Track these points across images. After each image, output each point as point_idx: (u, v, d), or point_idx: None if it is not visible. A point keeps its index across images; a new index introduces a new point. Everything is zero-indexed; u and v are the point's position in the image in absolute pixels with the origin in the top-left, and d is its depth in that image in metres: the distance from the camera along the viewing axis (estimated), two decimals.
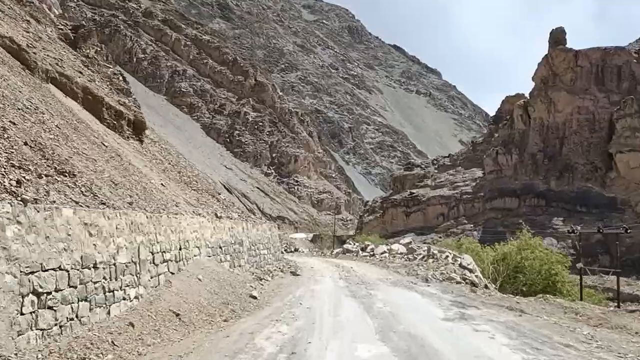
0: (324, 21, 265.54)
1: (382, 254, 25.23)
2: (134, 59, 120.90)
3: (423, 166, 67.93)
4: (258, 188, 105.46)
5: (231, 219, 18.75)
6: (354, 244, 30.53)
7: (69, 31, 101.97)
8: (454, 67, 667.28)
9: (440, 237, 56.64)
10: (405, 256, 24.16)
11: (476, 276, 18.20)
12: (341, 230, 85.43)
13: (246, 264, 18.75)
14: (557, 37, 58.76)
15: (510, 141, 58.68)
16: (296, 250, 31.64)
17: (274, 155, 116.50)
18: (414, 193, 62.35)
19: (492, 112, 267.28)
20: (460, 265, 19.66)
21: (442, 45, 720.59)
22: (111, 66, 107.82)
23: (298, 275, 20.28)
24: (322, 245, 50.94)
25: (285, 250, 31.43)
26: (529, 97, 59.94)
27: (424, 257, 23.10)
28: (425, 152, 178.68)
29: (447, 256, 21.87)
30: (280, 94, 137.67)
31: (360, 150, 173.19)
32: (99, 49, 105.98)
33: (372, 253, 25.81)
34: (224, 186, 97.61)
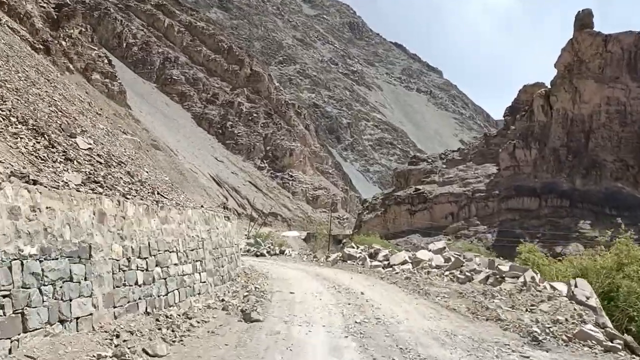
0: (324, 16, 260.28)
1: (402, 264, 17.39)
2: (124, 44, 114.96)
3: (430, 160, 61.88)
4: (250, 182, 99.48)
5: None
6: (358, 248, 22.70)
7: (52, 9, 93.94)
8: (454, 67, 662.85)
9: (449, 240, 50.62)
10: (449, 273, 16.07)
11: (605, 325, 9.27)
12: (337, 229, 79.55)
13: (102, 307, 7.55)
14: (584, 20, 52.75)
15: (529, 134, 52.72)
16: (282, 252, 24.11)
17: (268, 148, 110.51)
18: (419, 189, 56.35)
19: (493, 113, 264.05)
20: (574, 298, 10.48)
21: (443, 44, 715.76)
22: (96, 48, 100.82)
23: (256, 321, 9.74)
24: (316, 245, 44.31)
25: (267, 252, 25.00)
26: (550, 86, 53.97)
27: (487, 277, 14.41)
28: (425, 151, 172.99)
29: (533, 277, 12.89)
30: (277, 84, 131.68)
31: (359, 147, 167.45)
32: (83, 30, 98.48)
33: (387, 264, 17.99)
34: (214, 179, 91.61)
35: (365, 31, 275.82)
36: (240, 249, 25.64)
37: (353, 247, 23.24)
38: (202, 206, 14.82)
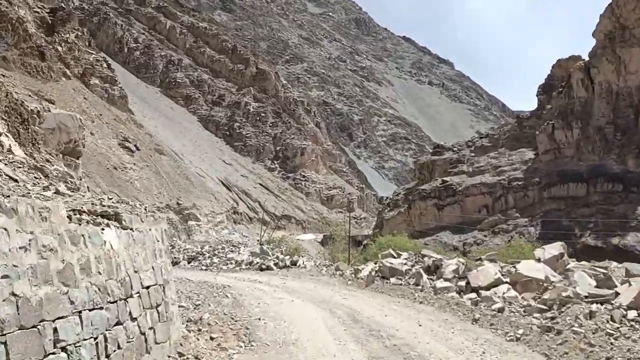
0: (330, 14, 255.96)
1: (494, 286, 10.60)
2: (125, 49, 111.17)
3: (456, 149, 56.18)
4: (261, 184, 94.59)
5: None
6: (400, 256, 15.31)
7: (47, 14, 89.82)
8: (466, 58, 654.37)
9: (485, 236, 45.06)
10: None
11: None
12: (355, 230, 74.44)
13: None
14: None
15: (568, 113, 46.85)
16: (294, 264, 17.58)
17: (278, 148, 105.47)
18: (446, 181, 50.70)
19: (509, 103, 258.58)
20: None
21: (453, 35, 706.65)
22: (94, 52, 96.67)
23: None
24: (334, 249, 38.49)
25: (275, 264, 18.65)
26: (589, 58, 48.07)
27: None
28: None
29: None
30: (284, 82, 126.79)
31: (372, 144, 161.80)
32: (80, 34, 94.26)
33: (466, 286, 11.19)
34: (223, 183, 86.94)
35: (372, 26, 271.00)
36: (242, 261, 20.32)
37: (393, 255, 15.92)
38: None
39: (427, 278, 12.82)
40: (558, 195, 44.05)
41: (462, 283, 11.48)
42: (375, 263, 15.84)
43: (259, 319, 9.96)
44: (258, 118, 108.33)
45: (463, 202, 49.11)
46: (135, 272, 7.12)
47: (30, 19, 77.14)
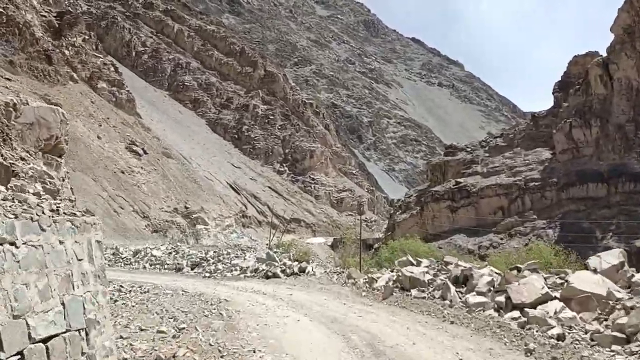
0: (338, 16, 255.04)
1: (540, 304, 8.87)
2: (133, 53, 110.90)
3: (469, 149, 54.59)
4: (270, 187, 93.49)
5: None
6: (419, 264, 13.54)
7: (53, 18, 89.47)
8: (475, 59, 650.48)
9: (501, 239, 43.45)
10: None
11: None
12: (366, 233, 73.06)
13: None
14: None
15: (586, 110, 45.15)
16: (302, 271, 15.80)
17: (287, 151, 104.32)
18: (460, 183, 49.14)
19: (519, 104, 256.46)
20: None
21: (462, 36, 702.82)
22: (101, 56, 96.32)
23: None
24: (345, 252, 37.09)
25: (282, 271, 16.81)
26: (607, 54, 46.36)
27: None
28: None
29: None
30: (293, 84, 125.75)
31: (382, 146, 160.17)
32: (87, 37, 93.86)
33: (507, 302, 9.38)
34: (231, 186, 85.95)
35: (380, 28, 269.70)
36: (247, 268, 19.09)
37: (412, 263, 14.23)
38: None
39: (456, 291, 10.75)
40: (577, 196, 42.38)
41: (501, 298, 9.49)
42: (392, 271, 14.20)
43: (254, 350, 8.06)
44: (267, 120, 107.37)
45: (478, 203, 47.51)
46: (17, 317, 4.65)
47: (37, 23, 76.75)
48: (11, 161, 8.30)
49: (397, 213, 55.85)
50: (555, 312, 8.30)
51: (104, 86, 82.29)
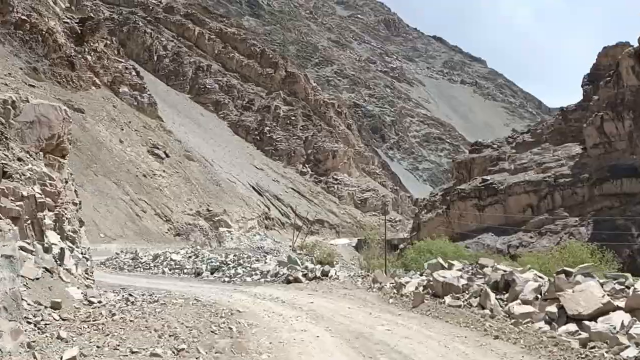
0: (358, 16, 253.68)
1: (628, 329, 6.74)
2: (155, 57, 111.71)
3: (496, 146, 53.06)
4: (292, 189, 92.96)
5: None
6: (451, 268, 12.19)
7: (76, 24, 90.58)
8: (498, 55, 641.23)
9: (531, 237, 41.97)
10: None
11: None
12: (391, 233, 71.93)
13: None
14: None
15: (618, 103, 43.30)
16: (325, 274, 14.69)
17: (309, 151, 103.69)
18: (487, 180, 47.72)
19: (545, 100, 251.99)
20: None
21: (484, 33, 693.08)
22: (123, 60, 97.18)
23: None
24: (370, 253, 36.22)
25: (303, 275, 15.38)
26: (638, 44, 44.40)
27: None
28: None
29: None
30: (314, 85, 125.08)
31: (405, 145, 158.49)
32: (109, 42, 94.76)
33: (575, 319, 7.65)
34: (254, 188, 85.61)
35: (401, 27, 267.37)
36: (268, 272, 18.30)
37: (443, 266, 12.71)
38: None
39: (496, 298, 9.45)
40: (610, 192, 40.63)
41: (552, 308, 8.12)
42: (421, 274, 13.13)
43: None
44: (288, 122, 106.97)
45: (505, 201, 46.03)
46: None
47: (60, 29, 77.65)
48: (4, 162, 7.68)
49: (422, 212, 54.64)
50: (624, 327, 6.88)
51: (125, 90, 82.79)
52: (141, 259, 27.57)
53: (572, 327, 7.59)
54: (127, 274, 23.87)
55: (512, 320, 8.46)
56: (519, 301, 8.92)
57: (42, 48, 70.75)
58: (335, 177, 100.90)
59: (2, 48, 63.12)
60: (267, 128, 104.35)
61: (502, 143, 52.90)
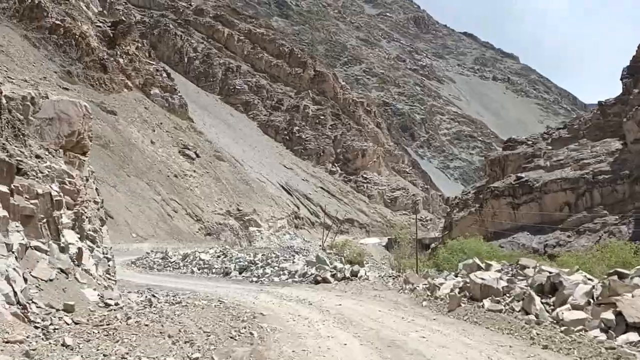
0: (387, 14, 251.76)
1: None
2: (185, 59, 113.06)
3: (530, 142, 51.52)
4: (322, 188, 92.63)
5: None
6: (489, 268, 11.26)
7: (108, 28, 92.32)
8: (531, 51, 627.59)
9: (569, 236, 40.51)
10: None
11: None
12: (421, 233, 70.90)
13: None
14: None
15: None
16: (355, 275, 14.10)
17: (338, 150, 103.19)
18: (521, 178, 46.32)
19: (580, 96, 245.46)
20: None
21: (516, 28, 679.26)
22: (154, 62, 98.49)
23: None
24: (400, 253, 35.46)
25: (332, 275, 14.84)
26: None
27: None
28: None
29: None
30: (343, 84, 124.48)
31: (436, 143, 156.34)
32: (140, 45, 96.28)
33: None
34: (283, 188, 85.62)
35: (431, 24, 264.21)
36: (296, 272, 17.88)
37: (480, 266, 11.76)
38: None
39: (542, 302, 8.56)
40: None
41: (608, 314, 7.27)
42: (456, 275, 12.39)
43: None
44: (317, 121, 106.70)
45: (541, 199, 44.58)
46: None
47: (93, 33, 79.08)
48: (19, 158, 7.43)
49: (454, 211, 53.49)
50: None
51: (157, 92, 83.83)
52: (171, 258, 27.56)
53: (633, 336, 6.72)
54: (157, 273, 23.83)
55: (562, 328, 7.65)
56: (568, 306, 8.09)
57: (75, 52, 72.10)
58: (364, 176, 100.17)
59: (38, 52, 64.54)
60: (296, 127, 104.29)
61: (537, 139, 51.30)
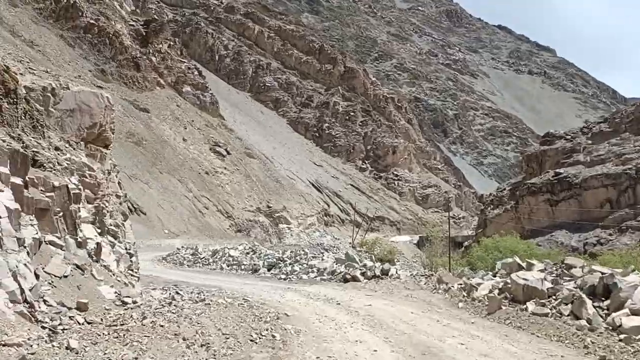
0: (419, 8, 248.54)
1: None
2: (216, 57, 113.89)
3: (569, 137, 49.78)
4: (352, 185, 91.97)
5: None
6: (531, 268, 10.21)
7: (140, 27, 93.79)
8: (569, 43, 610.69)
9: (610, 235, 38.92)
10: None
11: None
12: (454, 230, 69.57)
13: None
14: None
15: None
16: (385, 273, 13.49)
17: (368, 147, 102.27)
18: (560, 173, 44.74)
19: (620, 89, 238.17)
20: None
21: (553, 21, 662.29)
22: (186, 61, 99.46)
23: None
24: (432, 251, 34.61)
25: (362, 274, 14.28)
26: None
27: None
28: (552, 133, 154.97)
29: None
30: (373, 79, 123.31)
31: (469, 139, 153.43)
32: (172, 43, 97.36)
33: None
34: (313, 185, 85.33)
35: (464, 17, 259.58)
36: (325, 269, 17.42)
37: (521, 266, 10.81)
38: None
39: (594, 306, 7.81)
40: None
41: None
42: (494, 275, 11.59)
43: None
44: (347, 117, 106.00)
45: (581, 196, 42.96)
46: None
47: (126, 32, 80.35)
48: (35, 150, 7.16)
49: (489, 209, 52.14)
50: None
51: (188, 90, 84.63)
52: (201, 254, 27.53)
53: None
54: (186, 269, 23.76)
55: (622, 336, 6.81)
56: (626, 311, 7.25)
57: (109, 50, 73.30)
58: (395, 173, 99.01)
59: (73, 51, 65.79)
60: (326, 124, 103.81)
61: (577, 134, 49.51)
